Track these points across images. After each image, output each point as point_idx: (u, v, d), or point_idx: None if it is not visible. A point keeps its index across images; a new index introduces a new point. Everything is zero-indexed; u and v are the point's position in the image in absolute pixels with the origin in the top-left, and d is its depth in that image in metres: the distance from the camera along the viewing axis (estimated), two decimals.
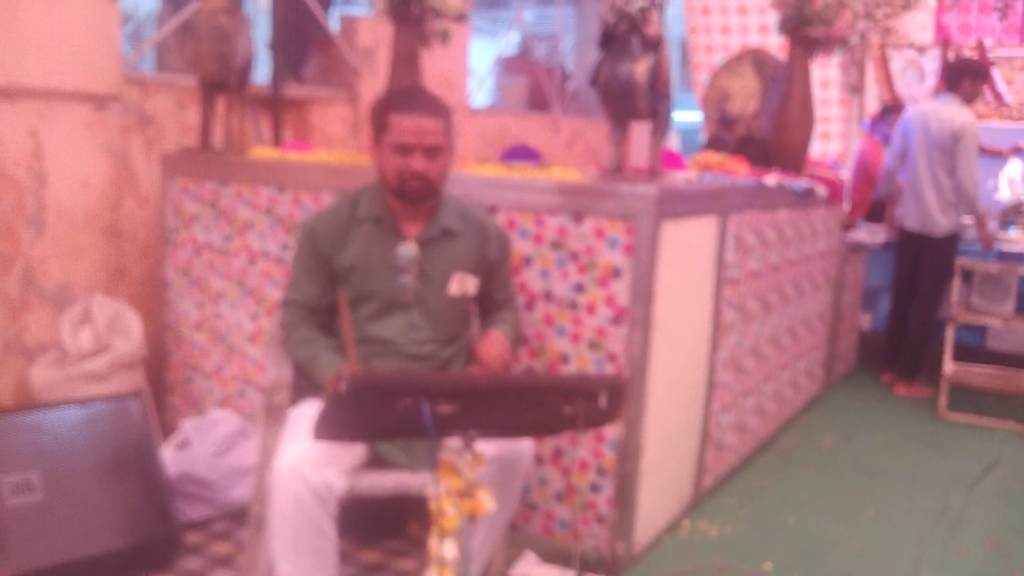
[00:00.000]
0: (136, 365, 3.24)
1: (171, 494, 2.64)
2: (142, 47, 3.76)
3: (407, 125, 2.13)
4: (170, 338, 3.53)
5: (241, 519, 2.78)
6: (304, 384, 2.26)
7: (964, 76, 4.70)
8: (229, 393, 3.37)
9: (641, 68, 2.58)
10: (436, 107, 2.18)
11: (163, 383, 3.57)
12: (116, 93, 3.39)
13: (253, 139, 4.04)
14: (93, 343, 3.12)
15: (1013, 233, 5.13)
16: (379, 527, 2.77)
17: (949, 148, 4.66)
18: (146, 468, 2.61)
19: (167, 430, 3.42)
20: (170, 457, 2.84)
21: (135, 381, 3.19)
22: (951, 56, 5.99)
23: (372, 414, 1.67)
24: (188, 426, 2.96)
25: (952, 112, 4.65)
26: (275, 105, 4.08)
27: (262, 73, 4.18)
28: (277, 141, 4.07)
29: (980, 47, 5.97)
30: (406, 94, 2.24)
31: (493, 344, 2.24)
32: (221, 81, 3.30)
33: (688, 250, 2.83)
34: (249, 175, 3.22)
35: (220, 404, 3.39)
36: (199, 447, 2.87)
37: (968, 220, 5.06)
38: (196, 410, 3.45)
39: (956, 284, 4.78)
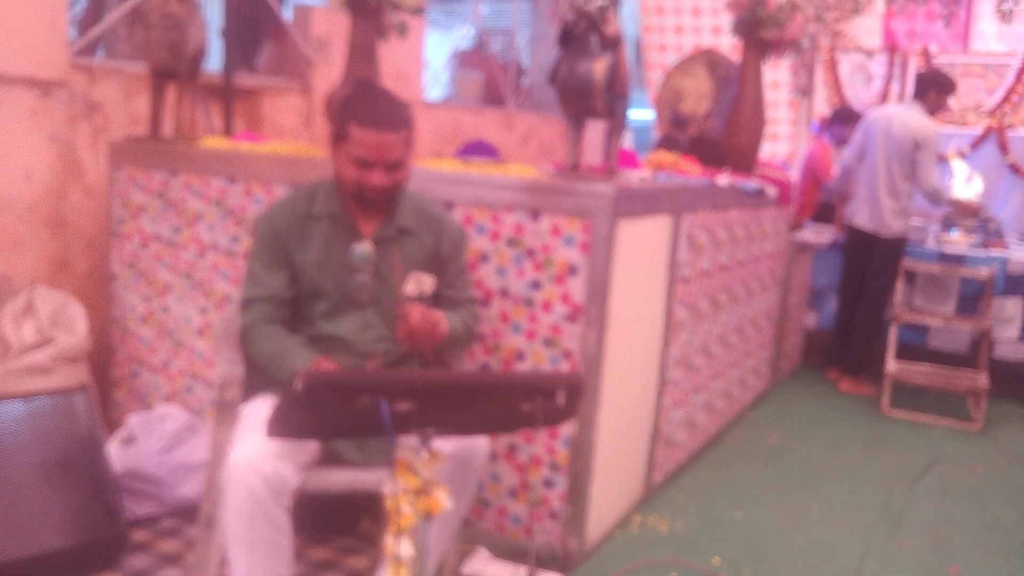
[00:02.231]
0: (80, 359, 3.16)
1: (117, 491, 2.58)
2: (90, 33, 3.66)
3: (368, 140, 2.08)
4: (115, 332, 3.46)
5: (189, 516, 2.75)
6: (256, 380, 2.23)
7: (931, 87, 4.83)
8: (176, 388, 3.31)
9: (599, 67, 2.58)
10: (398, 120, 2.11)
11: (108, 378, 3.50)
12: (62, 79, 3.30)
13: (204, 129, 3.96)
14: (36, 336, 3.04)
15: (955, 235, 5.26)
16: (330, 524, 2.75)
17: (909, 154, 4.77)
18: (91, 464, 2.56)
19: (112, 426, 3.35)
20: (116, 453, 2.78)
21: (79, 375, 3.11)
22: (897, 60, 6.12)
23: (328, 412, 1.65)
24: (134, 421, 2.90)
25: (915, 119, 4.77)
26: (227, 94, 4.01)
27: (214, 61, 4.10)
28: (228, 131, 4.00)
29: (925, 53, 6.11)
30: (368, 103, 2.11)
31: (413, 311, 2.10)
32: (172, 69, 3.24)
33: (642, 249, 2.85)
34: (199, 165, 3.16)
35: (167, 399, 3.33)
36: (145, 443, 2.81)
37: (916, 222, 5.17)
38: (142, 405, 3.39)
39: (900, 285, 4.89)
